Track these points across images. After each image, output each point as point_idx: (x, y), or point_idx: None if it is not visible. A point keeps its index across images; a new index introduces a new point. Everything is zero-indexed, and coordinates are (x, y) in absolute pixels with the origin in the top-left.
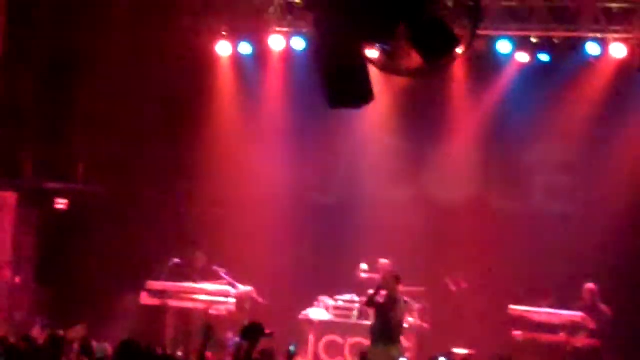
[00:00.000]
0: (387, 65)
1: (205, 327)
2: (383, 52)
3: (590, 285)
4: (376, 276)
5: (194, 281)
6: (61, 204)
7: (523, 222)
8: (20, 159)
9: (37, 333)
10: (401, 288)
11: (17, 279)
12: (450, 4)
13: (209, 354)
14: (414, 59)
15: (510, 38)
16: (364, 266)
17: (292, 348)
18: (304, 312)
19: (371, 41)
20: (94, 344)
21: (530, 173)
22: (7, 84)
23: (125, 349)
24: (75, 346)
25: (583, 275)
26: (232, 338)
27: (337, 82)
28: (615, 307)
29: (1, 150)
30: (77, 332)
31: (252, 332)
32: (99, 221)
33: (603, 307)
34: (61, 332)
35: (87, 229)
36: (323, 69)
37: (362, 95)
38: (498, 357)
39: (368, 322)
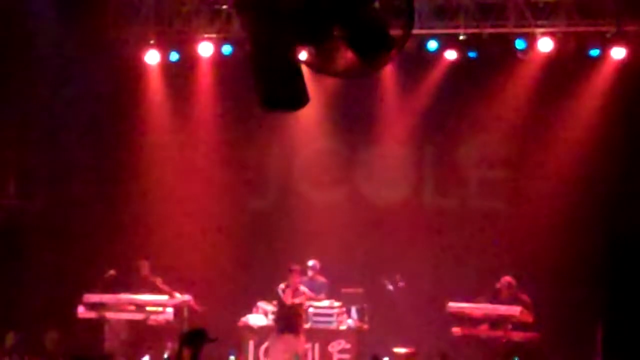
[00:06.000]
0: (321, 67)
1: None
2: (316, 53)
3: (507, 278)
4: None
5: (134, 291)
6: None
7: (458, 219)
8: None
9: None
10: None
11: None
12: (378, 5)
13: None
14: (349, 60)
15: (438, 36)
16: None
17: (232, 358)
18: (242, 319)
19: (304, 43)
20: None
21: (462, 170)
22: None
23: None
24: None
25: (508, 270)
26: (172, 347)
27: (271, 85)
28: (554, 302)
29: None
30: (8, 340)
31: (194, 337)
32: (33, 236)
33: (523, 296)
34: None
35: (20, 244)
36: (256, 72)
37: (297, 97)
38: (440, 354)
39: (307, 325)
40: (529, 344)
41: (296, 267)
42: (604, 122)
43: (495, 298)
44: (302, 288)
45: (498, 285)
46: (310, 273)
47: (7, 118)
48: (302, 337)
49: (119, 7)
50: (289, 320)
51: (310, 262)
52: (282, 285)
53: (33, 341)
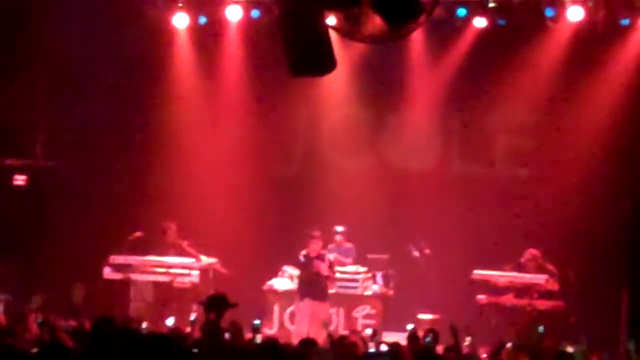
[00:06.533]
0: (350, 32)
1: None
2: (345, 18)
3: (531, 251)
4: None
5: (160, 253)
6: (20, 180)
7: (485, 186)
8: None
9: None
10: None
11: None
12: None
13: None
14: (377, 25)
15: (467, 3)
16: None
17: (256, 322)
18: (268, 283)
19: (333, 7)
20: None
21: (490, 137)
22: None
23: (101, 326)
24: (35, 319)
25: (536, 240)
26: (197, 310)
27: (299, 50)
28: (580, 269)
29: None
30: (35, 302)
31: (216, 303)
32: (60, 197)
33: (549, 266)
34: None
35: (47, 204)
36: (285, 37)
37: (325, 63)
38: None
39: (332, 291)
40: (554, 313)
41: (317, 233)
42: (633, 90)
43: (520, 271)
44: (329, 255)
45: (522, 260)
46: (338, 238)
47: (35, 80)
48: (327, 303)
49: None
50: (313, 285)
51: (339, 228)
52: (303, 252)
53: (59, 301)
